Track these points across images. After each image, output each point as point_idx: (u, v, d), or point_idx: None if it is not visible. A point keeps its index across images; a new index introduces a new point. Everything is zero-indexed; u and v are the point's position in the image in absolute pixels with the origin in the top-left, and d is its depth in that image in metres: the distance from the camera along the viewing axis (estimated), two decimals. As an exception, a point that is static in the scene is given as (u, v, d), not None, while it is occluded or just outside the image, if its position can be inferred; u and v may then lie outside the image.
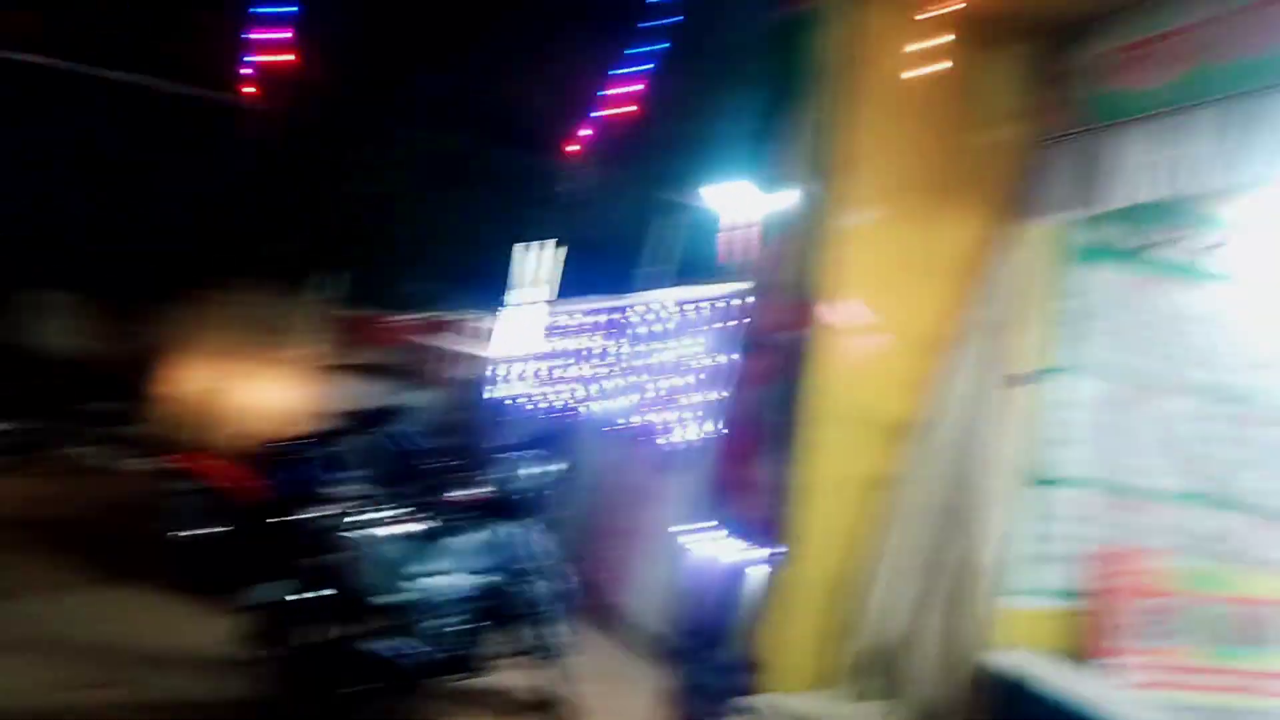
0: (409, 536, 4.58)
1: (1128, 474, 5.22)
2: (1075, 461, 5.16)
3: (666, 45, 7.85)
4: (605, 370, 7.51)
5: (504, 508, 4.88)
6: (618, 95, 9.14)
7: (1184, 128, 3.98)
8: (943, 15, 4.65)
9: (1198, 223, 4.97)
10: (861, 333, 4.87)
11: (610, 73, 9.15)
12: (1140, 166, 4.22)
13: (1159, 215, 4.76)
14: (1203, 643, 5.15)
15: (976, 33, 4.79)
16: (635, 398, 6.88)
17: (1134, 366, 5.21)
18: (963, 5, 4.40)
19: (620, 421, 6.99)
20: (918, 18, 4.73)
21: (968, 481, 4.97)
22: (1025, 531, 5.12)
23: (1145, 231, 4.57)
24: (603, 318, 7.85)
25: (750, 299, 5.37)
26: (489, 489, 4.92)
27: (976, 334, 4.98)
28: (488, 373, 9.49)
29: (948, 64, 4.80)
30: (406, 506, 4.65)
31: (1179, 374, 5.26)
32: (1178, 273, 5.16)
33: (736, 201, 5.94)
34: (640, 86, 8.70)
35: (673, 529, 5.51)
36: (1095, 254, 5.03)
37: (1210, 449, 5.31)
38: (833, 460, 4.90)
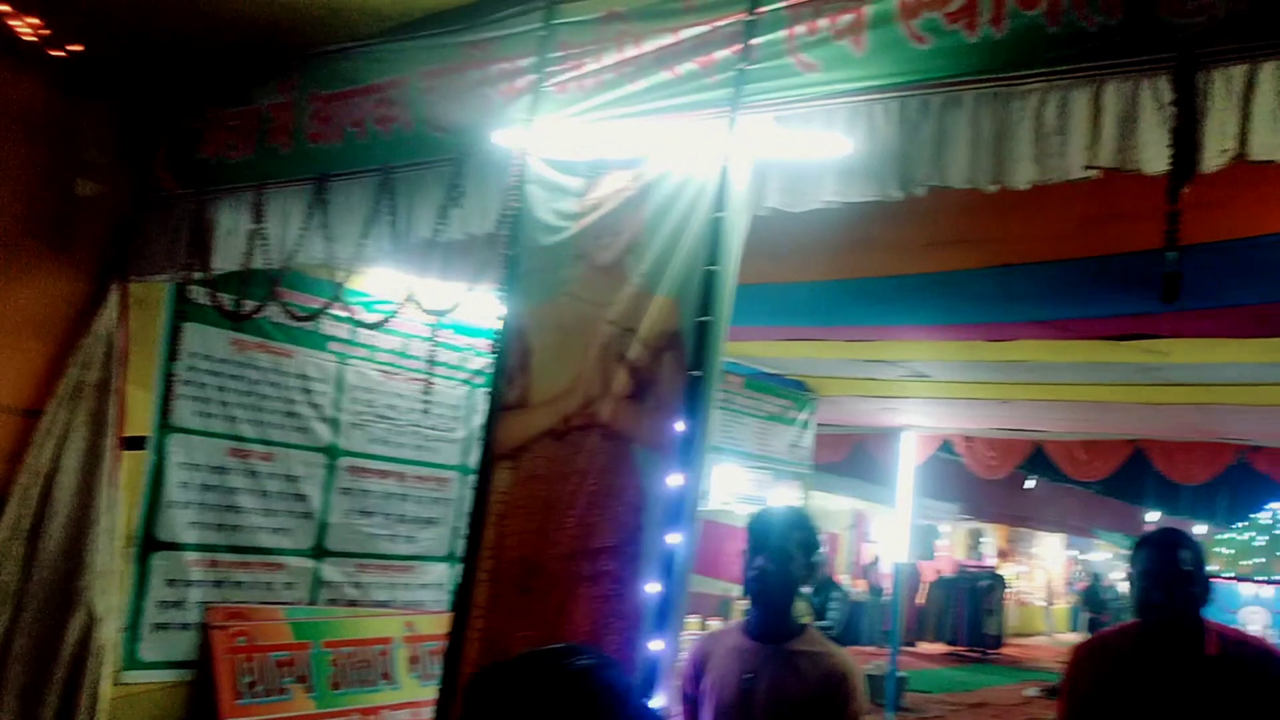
0: None
1: (239, 533, 5.29)
2: (188, 524, 5.08)
3: None
4: None
5: None
6: None
7: (274, 201, 4.15)
8: (33, 57, 4.26)
9: (302, 289, 5.23)
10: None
11: None
12: (239, 234, 4.30)
13: (264, 280, 4.90)
14: (317, 690, 5.41)
15: (75, 80, 4.49)
16: None
17: (242, 426, 5.30)
18: (51, 48, 4.07)
19: None
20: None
21: (79, 556, 4.59)
22: (142, 602, 4.91)
23: (251, 295, 4.68)
24: None
25: None
26: None
27: (79, 397, 4.63)
28: None
29: (39, 108, 4.43)
30: None
31: (283, 432, 5.49)
32: (281, 336, 5.40)
33: None
34: None
35: None
36: (202, 315, 5.03)
37: (314, 501, 5.63)
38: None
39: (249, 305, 4.64)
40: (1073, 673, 3.23)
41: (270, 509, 5.44)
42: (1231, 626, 3.19)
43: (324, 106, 4.09)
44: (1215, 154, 2.31)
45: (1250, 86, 2.29)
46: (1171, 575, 2.97)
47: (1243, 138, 2.29)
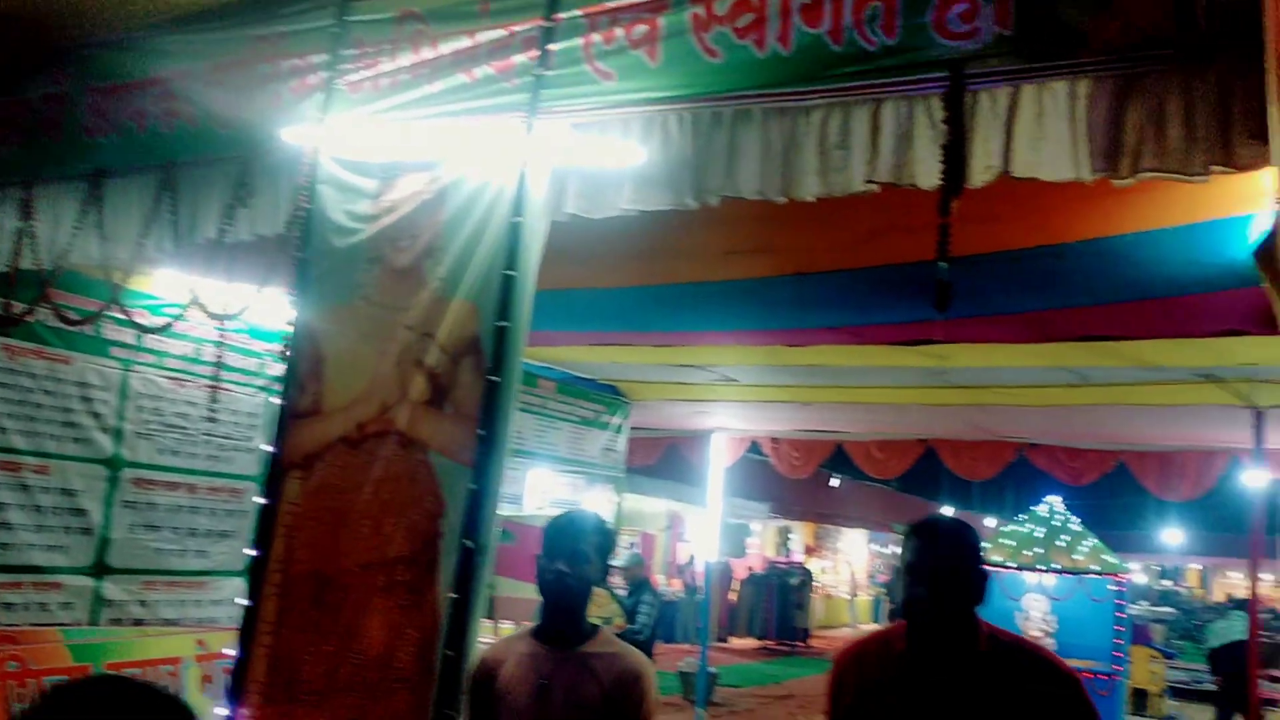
0: None
1: (9, 551, 4.90)
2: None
3: None
4: None
5: None
6: None
7: (44, 197, 3.88)
8: None
9: (78, 290, 4.89)
10: None
11: None
12: (4, 232, 4.01)
13: (34, 281, 4.58)
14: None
15: None
16: None
17: (12, 437, 4.91)
18: None
19: None
20: None
21: None
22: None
23: (19, 297, 4.35)
24: None
25: None
26: None
27: None
28: None
29: None
30: None
31: (60, 443, 5.12)
32: (58, 341, 5.04)
33: None
34: None
35: None
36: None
37: (95, 516, 5.28)
38: None
39: (17, 308, 4.32)
40: (835, 679, 2.87)
41: (44, 525, 5.07)
42: (1008, 631, 2.74)
43: (101, 99, 3.86)
44: (981, 170, 2.45)
45: (1013, 108, 2.44)
46: (936, 570, 2.54)
47: (1006, 155, 2.44)
